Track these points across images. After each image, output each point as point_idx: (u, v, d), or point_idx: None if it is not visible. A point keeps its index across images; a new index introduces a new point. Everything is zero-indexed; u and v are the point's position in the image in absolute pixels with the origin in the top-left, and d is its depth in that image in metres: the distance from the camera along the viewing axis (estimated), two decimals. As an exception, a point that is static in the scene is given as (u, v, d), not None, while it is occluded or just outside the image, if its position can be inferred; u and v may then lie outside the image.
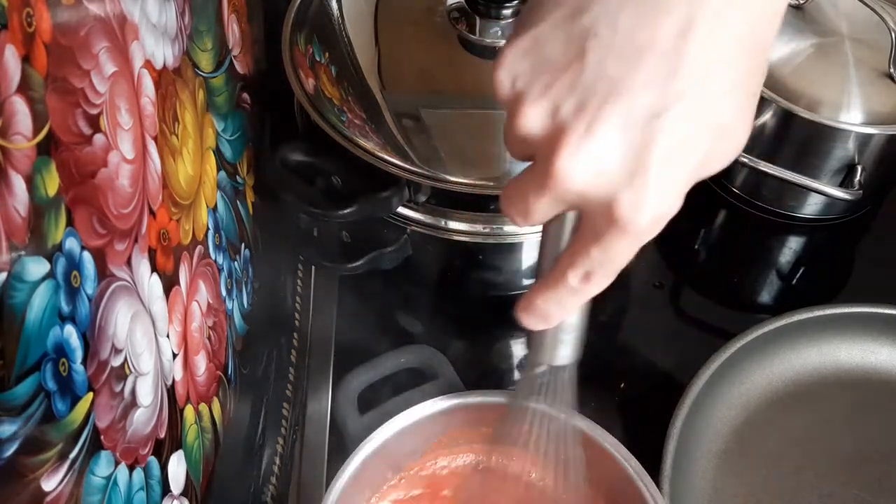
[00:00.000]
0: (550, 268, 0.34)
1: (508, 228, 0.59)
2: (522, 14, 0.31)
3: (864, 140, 0.66)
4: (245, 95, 0.57)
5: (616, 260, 0.31)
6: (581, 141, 0.28)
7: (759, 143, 0.69)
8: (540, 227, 0.36)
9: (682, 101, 0.28)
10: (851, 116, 0.66)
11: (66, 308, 0.29)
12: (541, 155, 0.30)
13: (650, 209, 0.29)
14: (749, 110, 0.30)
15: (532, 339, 0.40)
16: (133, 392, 0.35)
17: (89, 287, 0.31)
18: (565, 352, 0.39)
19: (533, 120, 0.30)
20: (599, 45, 0.28)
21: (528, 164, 0.32)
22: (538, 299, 0.35)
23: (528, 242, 0.60)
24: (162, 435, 0.39)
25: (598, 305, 0.36)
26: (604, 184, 0.29)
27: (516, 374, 0.65)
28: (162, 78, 0.40)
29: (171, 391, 0.40)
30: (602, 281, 0.33)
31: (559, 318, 0.36)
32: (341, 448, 0.51)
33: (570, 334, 0.39)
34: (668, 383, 0.62)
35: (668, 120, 0.28)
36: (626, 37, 0.28)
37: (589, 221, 0.31)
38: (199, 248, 0.45)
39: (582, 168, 0.28)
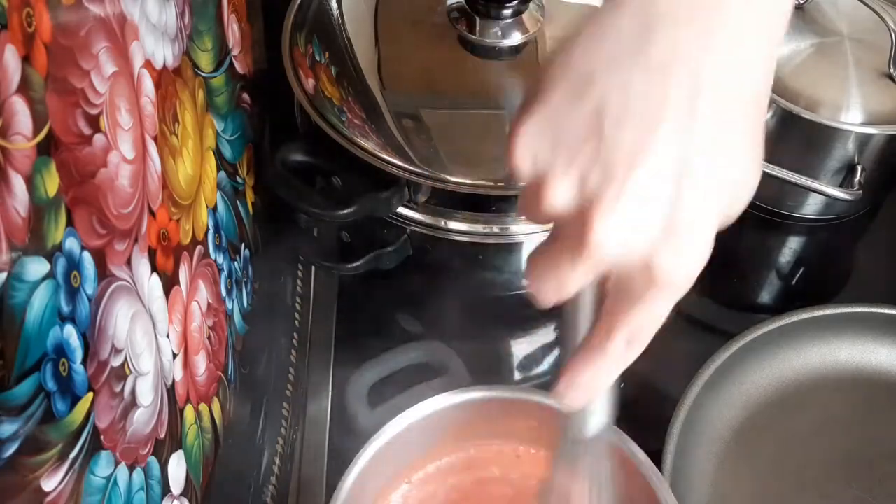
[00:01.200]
0: (586, 341, 0.34)
1: (508, 228, 0.59)
2: (528, 90, 0.31)
3: (864, 140, 0.66)
4: (245, 95, 0.57)
5: (658, 319, 0.32)
6: (613, 208, 0.29)
7: (759, 143, 0.69)
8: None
9: (701, 157, 0.29)
10: (851, 116, 0.66)
11: (66, 308, 0.29)
12: (572, 227, 0.30)
13: (688, 262, 0.30)
14: (758, 155, 0.31)
15: (566, 416, 0.38)
16: (133, 392, 0.35)
17: (89, 287, 0.31)
18: (600, 419, 0.38)
19: (562, 195, 0.30)
20: (613, 113, 0.29)
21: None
22: (583, 375, 0.34)
23: (528, 243, 0.60)
24: (162, 435, 0.39)
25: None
26: (640, 246, 0.29)
27: (517, 375, 0.65)
28: (162, 78, 0.40)
29: (171, 391, 0.40)
30: (644, 343, 0.33)
31: (604, 389, 0.36)
32: (341, 448, 0.51)
33: (605, 400, 0.38)
34: (668, 383, 0.62)
35: (692, 176, 0.29)
36: (638, 102, 0.28)
37: (624, 286, 0.31)
38: (199, 248, 0.45)
39: (617, 234, 0.29)
